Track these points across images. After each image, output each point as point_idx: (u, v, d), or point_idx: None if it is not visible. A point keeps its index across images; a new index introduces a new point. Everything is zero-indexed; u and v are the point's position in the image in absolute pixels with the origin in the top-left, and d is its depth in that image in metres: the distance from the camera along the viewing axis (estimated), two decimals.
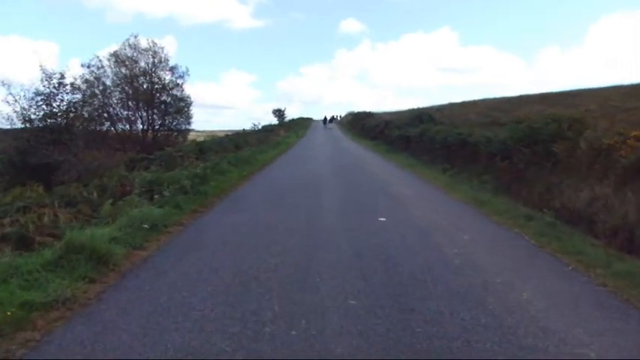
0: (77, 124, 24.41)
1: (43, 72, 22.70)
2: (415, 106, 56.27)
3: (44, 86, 22.32)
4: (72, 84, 22.96)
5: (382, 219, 10.06)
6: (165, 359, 4.25)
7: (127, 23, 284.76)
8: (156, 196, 11.97)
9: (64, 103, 22.30)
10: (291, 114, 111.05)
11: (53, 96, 22.06)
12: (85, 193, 14.31)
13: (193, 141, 34.42)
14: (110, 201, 11.57)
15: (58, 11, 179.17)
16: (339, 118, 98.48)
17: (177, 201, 11.69)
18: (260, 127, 57.50)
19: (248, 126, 58.79)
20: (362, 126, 53.68)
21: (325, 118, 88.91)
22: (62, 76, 22.48)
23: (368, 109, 72.42)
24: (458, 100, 53.92)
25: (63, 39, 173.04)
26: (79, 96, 25.07)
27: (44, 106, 21.85)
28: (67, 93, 22.73)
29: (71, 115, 22.40)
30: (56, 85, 22.26)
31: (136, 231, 8.73)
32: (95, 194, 14.17)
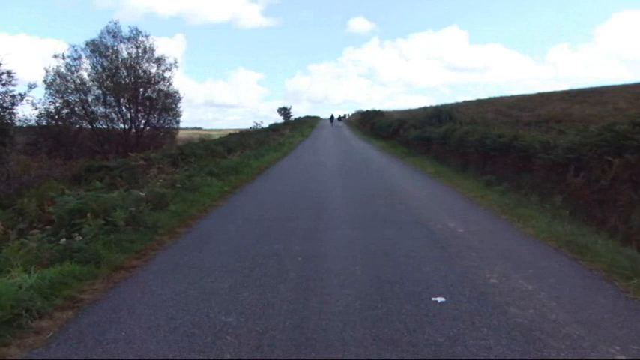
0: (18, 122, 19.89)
1: None
2: (426, 105, 53.67)
3: None
4: (9, 72, 18.24)
5: (439, 299, 5.53)
6: None
7: (137, 22, 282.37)
8: (63, 240, 7.49)
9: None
10: (298, 112, 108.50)
11: None
12: None
13: (171, 145, 30.23)
14: None
15: (68, 10, 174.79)
16: (347, 117, 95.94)
17: (97, 248, 7.26)
18: (262, 126, 53.64)
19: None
20: (372, 125, 49.50)
21: (332, 117, 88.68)
22: None
23: (377, 108, 69.03)
24: (470, 97, 50.94)
25: (72, 38, 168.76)
26: (17, 88, 20.02)
27: None
28: (3, 84, 17.97)
29: (6, 112, 17.67)
30: None
31: None
32: None
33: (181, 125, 45.60)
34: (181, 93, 43.07)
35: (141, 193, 10.06)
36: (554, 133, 15.51)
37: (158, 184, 12.42)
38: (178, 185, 13.04)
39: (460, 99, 52.63)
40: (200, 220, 10.11)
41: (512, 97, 48.73)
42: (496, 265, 6.85)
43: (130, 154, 17.81)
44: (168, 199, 11.06)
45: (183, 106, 45.33)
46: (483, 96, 51.22)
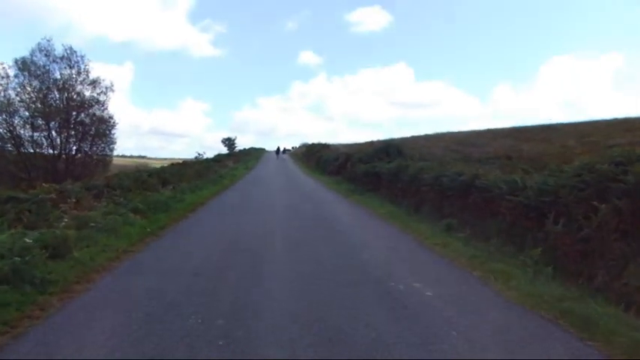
0: None
1: None
2: (373, 139, 53.17)
3: None
4: None
5: None
6: None
7: (86, 46, 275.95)
8: None
9: None
10: (244, 144, 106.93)
11: None
12: None
13: (102, 174, 28.08)
14: None
15: (17, 30, 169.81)
16: (292, 149, 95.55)
17: None
18: (205, 156, 52.01)
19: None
20: (317, 159, 47.87)
21: (278, 149, 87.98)
22: None
23: (322, 141, 68.07)
24: (416, 133, 50.53)
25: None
26: None
27: None
28: None
29: None
30: None
31: None
32: None
33: (126, 153, 44.38)
34: (117, 118, 41.18)
35: (27, 240, 8.01)
36: (520, 173, 14.05)
37: (63, 223, 10.39)
38: (92, 224, 11.04)
39: (406, 134, 52.04)
40: (107, 273, 8.12)
41: (460, 132, 48.38)
42: (488, 351, 5.13)
43: (43, 184, 15.64)
44: (72, 244, 9.04)
45: (129, 133, 43.86)
46: (429, 131, 50.55)
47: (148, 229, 12.08)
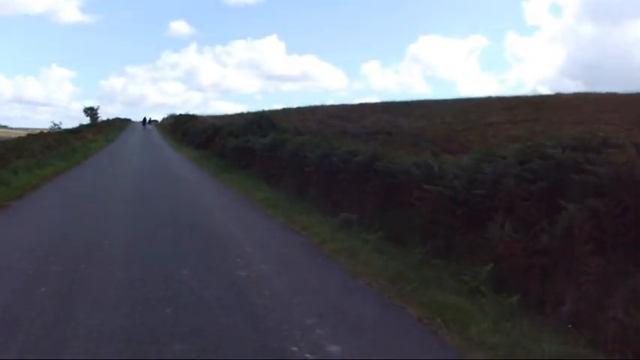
0: None
1: None
2: (243, 111, 51.97)
3: None
4: None
5: None
6: None
7: None
8: None
9: None
10: (112, 114, 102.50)
11: None
12: None
13: None
14: None
15: None
16: (160, 120, 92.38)
17: None
18: (61, 127, 48.66)
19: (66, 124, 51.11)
20: (185, 130, 44.39)
21: (144, 120, 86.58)
22: None
23: (191, 112, 65.04)
24: (286, 106, 50.08)
25: None
26: None
27: None
28: None
29: None
30: None
31: None
32: None
33: None
34: None
35: None
36: (428, 154, 11.60)
37: None
38: None
39: (278, 107, 50.80)
40: None
41: (332, 106, 47.78)
42: None
43: None
44: None
45: None
46: (301, 104, 49.32)
47: None
